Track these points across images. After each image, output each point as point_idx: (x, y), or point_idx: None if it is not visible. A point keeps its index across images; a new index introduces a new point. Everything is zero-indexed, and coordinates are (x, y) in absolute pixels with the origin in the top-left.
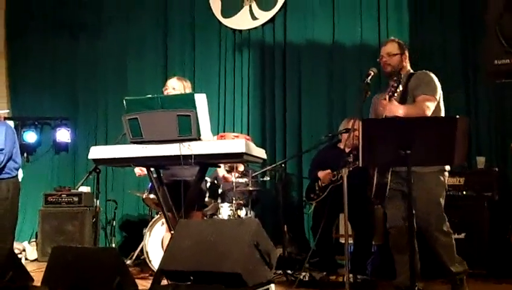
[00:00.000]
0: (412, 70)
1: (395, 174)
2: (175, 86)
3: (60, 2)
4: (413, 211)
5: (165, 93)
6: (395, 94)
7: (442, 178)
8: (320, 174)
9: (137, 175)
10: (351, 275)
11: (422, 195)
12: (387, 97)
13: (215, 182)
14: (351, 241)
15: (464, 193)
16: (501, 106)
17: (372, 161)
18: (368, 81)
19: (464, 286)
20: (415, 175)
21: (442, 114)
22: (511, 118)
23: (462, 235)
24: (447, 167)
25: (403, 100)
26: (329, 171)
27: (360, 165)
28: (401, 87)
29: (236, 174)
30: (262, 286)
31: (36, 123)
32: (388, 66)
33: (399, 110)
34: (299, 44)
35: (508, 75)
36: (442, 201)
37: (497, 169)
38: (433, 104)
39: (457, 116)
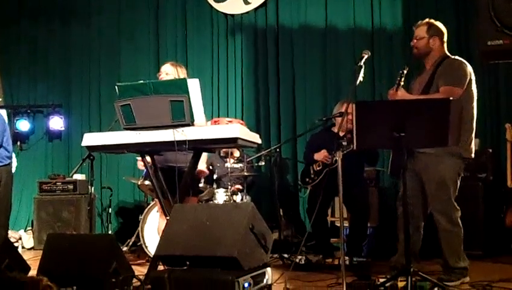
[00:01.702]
0: (447, 54)
1: (410, 153)
2: (168, 71)
3: None
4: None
5: (159, 78)
6: (401, 83)
7: (456, 163)
8: (316, 156)
9: (140, 168)
10: (346, 258)
11: (433, 177)
12: (394, 87)
13: (210, 167)
14: (346, 224)
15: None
16: (495, 88)
17: (365, 143)
18: (361, 64)
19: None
20: (427, 156)
21: (474, 100)
22: (506, 99)
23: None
24: (469, 154)
25: (427, 87)
26: (325, 151)
27: (354, 148)
28: (402, 82)
29: (232, 160)
30: (258, 270)
31: (29, 111)
32: (415, 49)
33: (410, 98)
34: (291, 28)
35: (500, 55)
36: (453, 187)
37: (491, 150)
38: (458, 94)
39: (451, 99)
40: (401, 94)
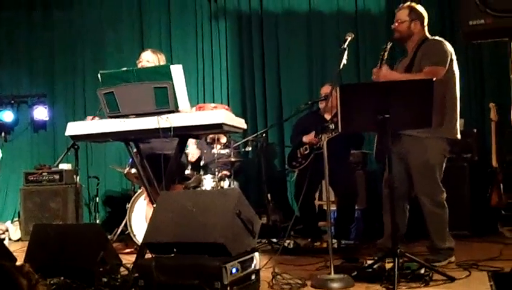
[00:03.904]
0: (426, 35)
1: (395, 136)
2: (149, 59)
3: None
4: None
5: (139, 66)
6: (383, 60)
7: (441, 145)
8: (306, 138)
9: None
10: (334, 241)
11: (418, 159)
12: (378, 65)
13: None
14: (334, 207)
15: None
16: (479, 67)
17: (351, 126)
18: (345, 46)
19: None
20: (412, 138)
21: (457, 79)
22: (489, 78)
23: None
24: (455, 136)
25: (409, 68)
26: (313, 133)
27: (339, 131)
28: (385, 56)
29: (219, 146)
30: (246, 255)
31: (12, 102)
32: (397, 32)
33: (394, 75)
34: (275, 12)
35: (483, 35)
36: (438, 169)
37: (476, 130)
38: (441, 74)
39: (434, 79)
40: (385, 71)
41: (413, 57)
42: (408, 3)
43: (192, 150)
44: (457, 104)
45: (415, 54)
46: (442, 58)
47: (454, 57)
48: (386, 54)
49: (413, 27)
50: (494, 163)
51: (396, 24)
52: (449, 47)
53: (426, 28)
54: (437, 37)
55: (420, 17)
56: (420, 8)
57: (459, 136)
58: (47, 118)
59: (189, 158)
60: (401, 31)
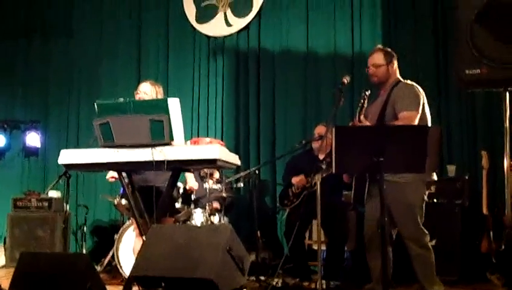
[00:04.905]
0: (399, 78)
1: (375, 181)
2: (147, 91)
3: (31, 3)
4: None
5: (137, 97)
6: (365, 106)
7: (420, 189)
8: (294, 179)
9: (109, 180)
10: (323, 281)
11: (398, 204)
12: (358, 118)
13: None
14: (324, 247)
15: (435, 200)
16: (472, 115)
17: (344, 167)
18: (342, 88)
19: None
20: (392, 184)
21: (429, 121)
22: (482, 126)
23: (433, 242)
24: (431, 178)
25: (382, 112)
26: (302, 176)
27: (333, 172)
28: (365, 104)
29: (211, 181)
30: None
31: (5, 126)
32: (375, 77)
33: None
34: (273, 51)
35: (478, 84)
36: (419, 212)
37: (467, 177)
38: (416, 119)
39: (429, 126)
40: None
41: (387, 100)
42: (378, 46)
43: (192, 183)
44: None
45: (388, 96)
46: (415, 103)
47: (425, 101)
48: (366, 102)
49: (391, 70)
50: (485, 210)
51: (374, 69)
52: (421, 90)
53: (397, 70)
54: (409, 81)
55: (394, 58)
56: (389, 49)
57: (434, 177)
58: (39, 145)
59: (189, 190)
60: (379, 76)
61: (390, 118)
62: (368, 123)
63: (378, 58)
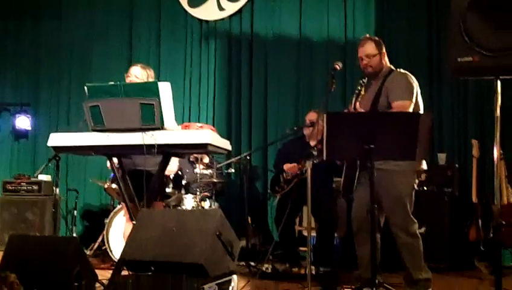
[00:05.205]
0: (391, 67)
1: (365, 168)
2: (137, 74)
3: None
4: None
5: (127, 80)
6: (358, 98)
7: (410, 178)
8: (286, 166)
9: (109, 167)
10: (313, 267)
11: (388, 192)
12: (354, 105)
13: (179, 173)
14: (313, 233)
15: (426, 188)
16: (464, 103)
17: (336, 154)
18: (333, 74)
19: None
20: (382, 172)
21: (421, 110)
22: (473, 115)
23: (423, 230)
24: (421, 167)
25: (375, 101)
26: (295, 164)
27: (324, 158)
28: (363, 92)
29: (201, 166)
30: (224, 277)
31: None
32: (369, 67)
33: None
34: (266, 36)
35: (470, 72)
36: (409, 200)
37: (457, 165)
38: (410, 108)
39: (420, 113)
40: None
41: (380, 89)
42: (367, 35)
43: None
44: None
45: (381, 85)
46: (409, 92)
47: (419, 90)
48: (363, 89)
49: (383, 59)
50: (474, 198)
51: (368, 59)
52: (414, 79)
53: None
54: (402, 70)
55: (383, 47)
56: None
57: (424, 166)
58: (29, 128)
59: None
60: (374, 66)
61: (383, 107)
62: (361, 111)
63: (370, 48)
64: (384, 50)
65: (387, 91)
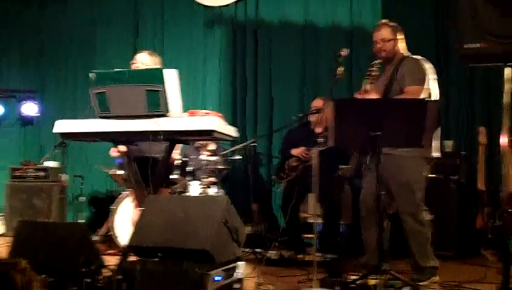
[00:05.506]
0: (405, 53)
1: (375, 154)
2: (144, 61)
3: None
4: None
5: (133, 67)
6: (369, 79)
7: (419, 164)
8: (295, 151)
9: (112, 155)
10: (319, 254)
11: (395, 177)
12: (367, 87)
13: (183, 159)
14: (319, 220)
15: (433, 175)
16: (471, 91)
17: (342, 141)
18: (340, 61)
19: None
20: (390, 157)
21: (433, 96)
22: (480, 102)
23: (430, 218)
24: (431, 154)
25: (388, 87)
26: (303, 148)
27: (330, 144)
28: (373, 74)
29: (207, 153)
30: (230, 263)
31: (1, 95)
32: (383, 51)
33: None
34: (271, 22)
35: (478, 59)
36: (419, 187)
37: (464, 153)
38: (421, 93)
39: (427, 100)
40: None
41: (393, 74)
42: (384, 20)
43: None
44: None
45: (395, 71)
46: (421, 78)
47: (433, 76)
48: (374, 72)
49: (397, 45)
50: (481, 186)
51: (383, 43)
52: (427, 65)
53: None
54: (416, 56)
55: (401, 33)
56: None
57: (434, 154)
58: (37, 114)
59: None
60: (387, 51)
61: (396, 93)
62: (373, 93)
63: (386, 33)
64: (400, 36)
65: (401, 77)
